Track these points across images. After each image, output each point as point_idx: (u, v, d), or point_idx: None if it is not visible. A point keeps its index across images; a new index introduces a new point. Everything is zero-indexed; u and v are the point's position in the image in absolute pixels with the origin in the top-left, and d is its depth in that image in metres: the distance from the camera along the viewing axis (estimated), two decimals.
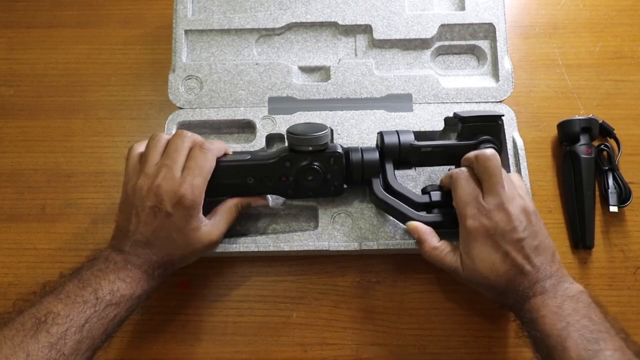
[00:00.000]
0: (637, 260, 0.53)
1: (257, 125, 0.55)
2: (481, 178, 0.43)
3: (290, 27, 0.58)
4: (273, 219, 0.53)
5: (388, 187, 0.48)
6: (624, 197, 0.53)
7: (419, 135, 0.53)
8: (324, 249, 0.49)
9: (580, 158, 0.54)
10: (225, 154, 0.47)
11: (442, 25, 0.57)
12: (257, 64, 0.56)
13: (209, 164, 0.44)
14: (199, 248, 0.44)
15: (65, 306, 0.37)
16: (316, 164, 0.46)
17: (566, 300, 0.39)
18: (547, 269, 0.41)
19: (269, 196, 0.50)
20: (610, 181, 0.54)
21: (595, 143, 0.56)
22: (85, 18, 0.64)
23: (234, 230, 0.51)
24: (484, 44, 0.58)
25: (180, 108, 0.55)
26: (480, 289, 0.44)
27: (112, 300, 0.39)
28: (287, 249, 0.49)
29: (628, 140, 0.57)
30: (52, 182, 0.57)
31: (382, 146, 0.48)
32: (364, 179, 0.48)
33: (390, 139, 0.48)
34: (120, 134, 0.59)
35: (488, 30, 0.57)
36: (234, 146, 0.54)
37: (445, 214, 0.47)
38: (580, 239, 0.53)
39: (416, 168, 0.54)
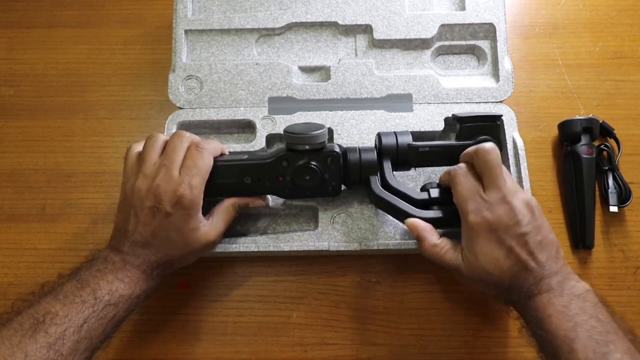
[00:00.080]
0: (637, 260, 0.53)
1: (257, 126, 0.55)
2: (481, 172, 0.42)
3: (290, 27, 0.58)
4: (273, 219, 0.53)
5: (386, 185, 0.47)
6: (624, 197, 0.53)
7: (419, 135, 0.54)
8: (324, 249, 0.49)
9: (581, 158, 0.53)
10: (222, 154, 0.47)
11: (443, 25, 0.57)
12: (257, 64, 0.56)
13: (206, 163, 0.44)
14: (198, 248, 0.44)
15: (63, 306, 0.37)
16: (313, 163, 0.46)
17: (573, 300, 0.38)
18: (552, 265, 0.40)
19: (268, 196, 0.50)
20: (610, 181, 0.54)
21: (596, 143, 0.56)
22: (85, 18, 0.64)
23: (233, 230, 0.51)
24: (484, 44, 0.58)
25: (180, 108, 0.55)
26: (483, 285, 0.43)
27: (111, 301, 0.39)
28: (287, 249, 0.49)
29: (628, 140, 0.57)
30: (52, 182, 0.57)
31: (380, 147, 0.48)
32: (361, 179, 0.47)
33: (387, 140, 0.48)
34: (120, 134, 0.59)
35: (488, 30, 0.57)
36: (234, 146, 0.54)
37: (446, 210, 0.46)
38: (580, 239, 0.53)
39: (415, 169, 0.54)
